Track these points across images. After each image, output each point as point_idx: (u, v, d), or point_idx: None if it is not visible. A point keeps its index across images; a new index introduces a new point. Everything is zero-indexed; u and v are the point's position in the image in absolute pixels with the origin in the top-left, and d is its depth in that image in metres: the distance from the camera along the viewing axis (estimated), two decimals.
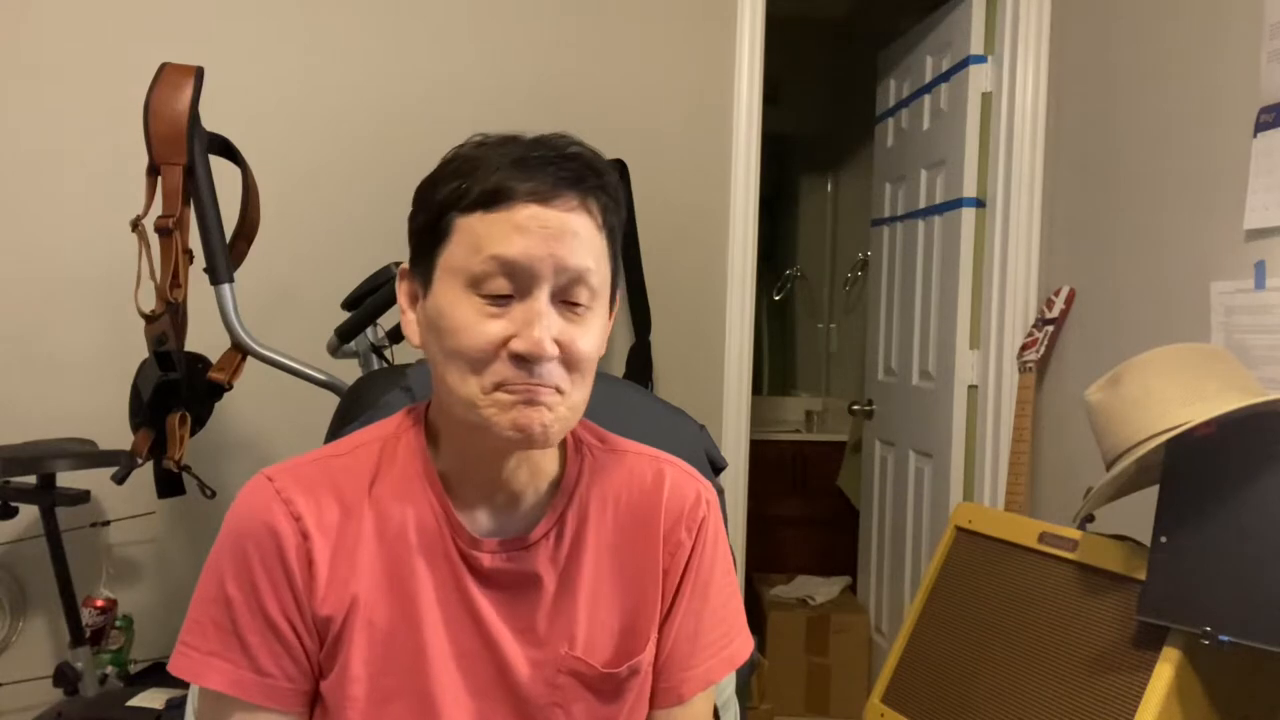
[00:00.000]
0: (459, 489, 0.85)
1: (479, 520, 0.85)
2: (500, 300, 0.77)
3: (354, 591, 0.81)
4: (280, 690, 0.80)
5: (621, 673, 0.87)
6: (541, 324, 0.76)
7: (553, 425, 0.79)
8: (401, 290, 0.85)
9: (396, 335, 1.87)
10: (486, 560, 0.84)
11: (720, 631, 0.93)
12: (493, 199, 0.77)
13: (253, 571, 0.80)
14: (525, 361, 0.76)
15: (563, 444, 0.90)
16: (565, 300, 0.79)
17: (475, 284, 0.77)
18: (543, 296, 0.77)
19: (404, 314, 0.85)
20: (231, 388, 1.70)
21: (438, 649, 0.82)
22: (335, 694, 0.81)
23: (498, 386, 0.77)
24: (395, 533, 0.83)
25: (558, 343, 0.77)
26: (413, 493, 0.85)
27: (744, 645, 0.96)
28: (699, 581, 0.91)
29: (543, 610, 0.85)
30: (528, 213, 0.77)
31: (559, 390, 0.79)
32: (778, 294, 4.37)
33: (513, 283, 0.77)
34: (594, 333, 0.81)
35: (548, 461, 0.88)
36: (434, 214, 0.80)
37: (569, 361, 0.79)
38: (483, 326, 0.77)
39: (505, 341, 0.77)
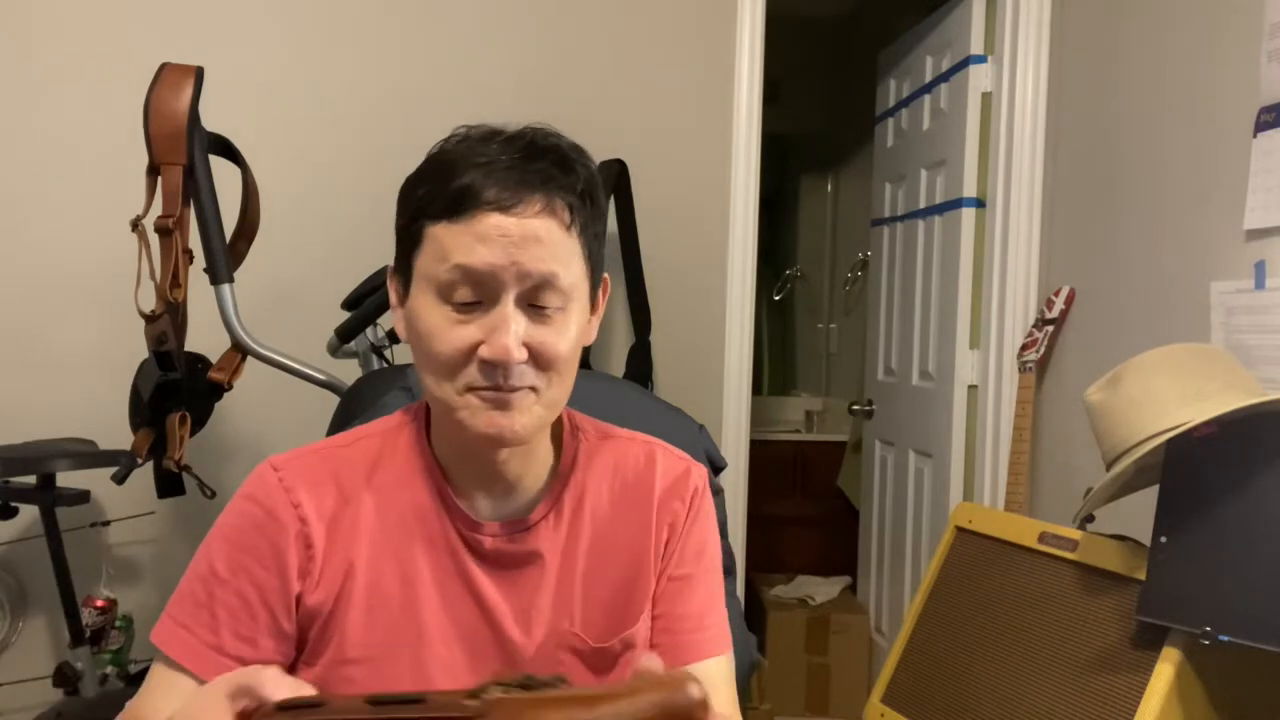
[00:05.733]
0: (457, 478, 0.87)
1: (479, 506, 0.87)
2: (467, 308, 0.78)
3: (351, 576, 0.83)
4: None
5: (614, 646, 0.88)
6: (508, 330, 0.77)
7: (528, 424, 0.80)
8: (391, 288, 0.87)
9: (396, 335, 1.87)
10: (488, 542, 0.86)
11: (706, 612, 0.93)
12: (457, 208, 0.77)
13: (243, 554, 0.82)
14: (494, 366, 0.77)
15: (558, 430, 0.92)
16: (533, 304, 0.79)
17: (443, 292, 0.78)
18: (508, 303, 0.78)
19: (394, 310, 0.87)
20: (231, 388, 1.70)
21: (438, 630, 0.84)
22: (332, 675, 0.83)
23: (471, 389, 0.79)
24: (395, 519, 0.85)
25: (528, 345, 0.78)
26: (413, 481, 0.87)
27: (719, 639, 0.94)
28: (690, 549, 0.92)
29: (543, 589, 0.87)
30: (490, 222, 0.76)
31: (533, 389, 0.80)
32: (778, 294, 4.37)
33: (477, 291, 0.78)
34: (567, 332, 0.81)
35: (542, 449, 0.89)
36: (408, 219, 0.82)
37: (541, 362, 0.79)
38: (452, 333, 0.78)
39: (475, 347, 0.78)
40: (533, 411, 0.80)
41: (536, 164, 0.79)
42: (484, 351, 0.77)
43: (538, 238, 0.77)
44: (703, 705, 0.54)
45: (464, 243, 0.77)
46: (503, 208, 0.77)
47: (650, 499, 0.92)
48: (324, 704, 0.58)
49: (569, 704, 0.53)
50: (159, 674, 0.82)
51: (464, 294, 0.78)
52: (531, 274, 0.77)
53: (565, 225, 0.79)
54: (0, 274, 2.12)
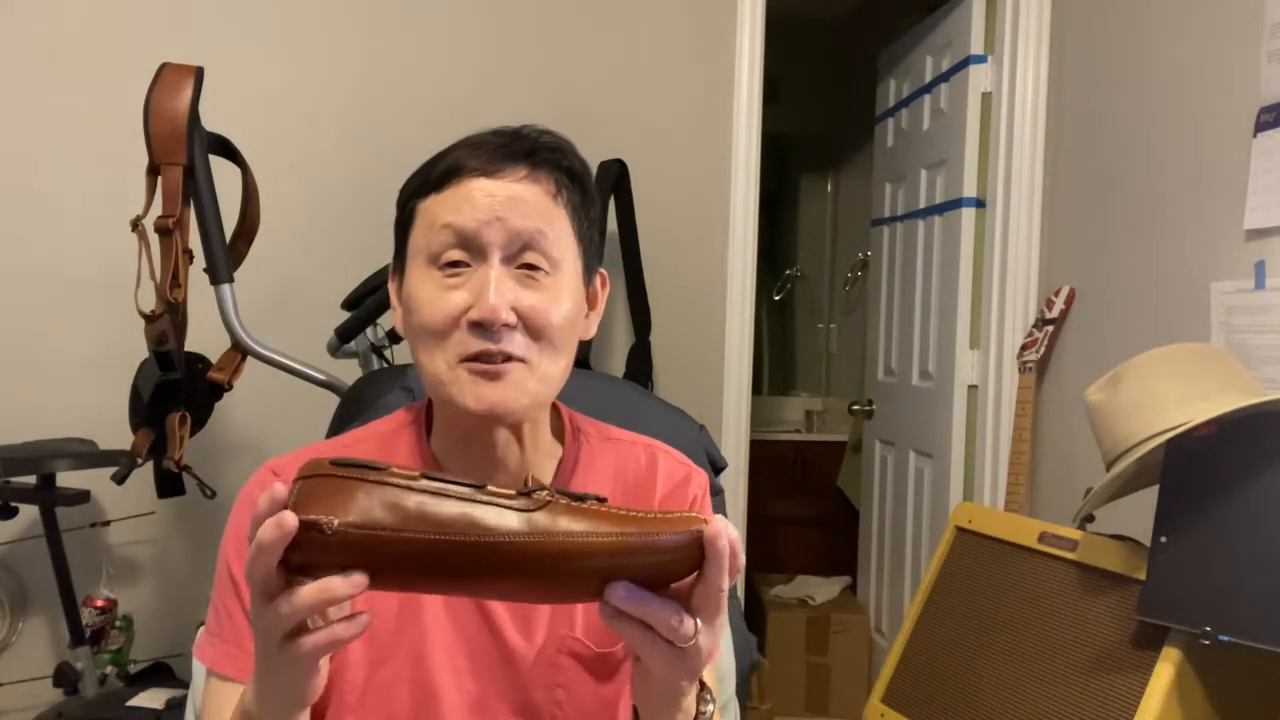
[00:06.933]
0: (459, 478, 0.86)
1: None
2: (456, 270, 0.79)
3: None
4: None
5: (617, 652, 0.87)
6: (495, 290, 0.77)
7: (520, 399, 0.80)
8: (391, 288, 0.88)
9: (396, 335, 1.88)
10: None
11: None
12: (444, 181, 0.81)
13: None
14: (483, 329, 0.78)
15: (560, 431, 0.92)
16: (522, 265, 0.80)
17: (434, 259, 0.80)
18: (495, 262, 0.79)
19: (394, 310, 0.87)
20: (231, 388, 1.70)
21: (439, 634, 0.84)
22: (333, 680, 0.82)
23: (462, 359, 0.79)
24: None
25: (517, 310, 0.79)
26: None
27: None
28: None
29: None
30: (476, 185, 0.80)
31: (523, 360, 0.80)
32: (778, 294, 4.37)
33: (466, 251, 0.79)
34: (560, 302, 0.81)
35: (544, 442, 0.89)
36: (401, 205, 0.85)
37: (532, 330, 0.80)
38: (443, 298, 0.79)
39: (464, 312, 0.78)
40: (525, 386, 0.80)
41: (522, 143, 0.82)
42: (472, 314, 0.78)
43: (522, 198, 0.80)
44: (695, 545, 0.59)
45: (451, 205, 0.80)
46: (487, 174, 0.80)
47: (651, 503, 0.91)
48: (384, 468, 0.60)
49: (606, 518, 0.59)
50: (212, 688, 0.81)
51: (452, 254, 0.79)
52: (519, 231, 0.79)
53: (551, 194, 0.81)
54: (0, 274, 2.13)
